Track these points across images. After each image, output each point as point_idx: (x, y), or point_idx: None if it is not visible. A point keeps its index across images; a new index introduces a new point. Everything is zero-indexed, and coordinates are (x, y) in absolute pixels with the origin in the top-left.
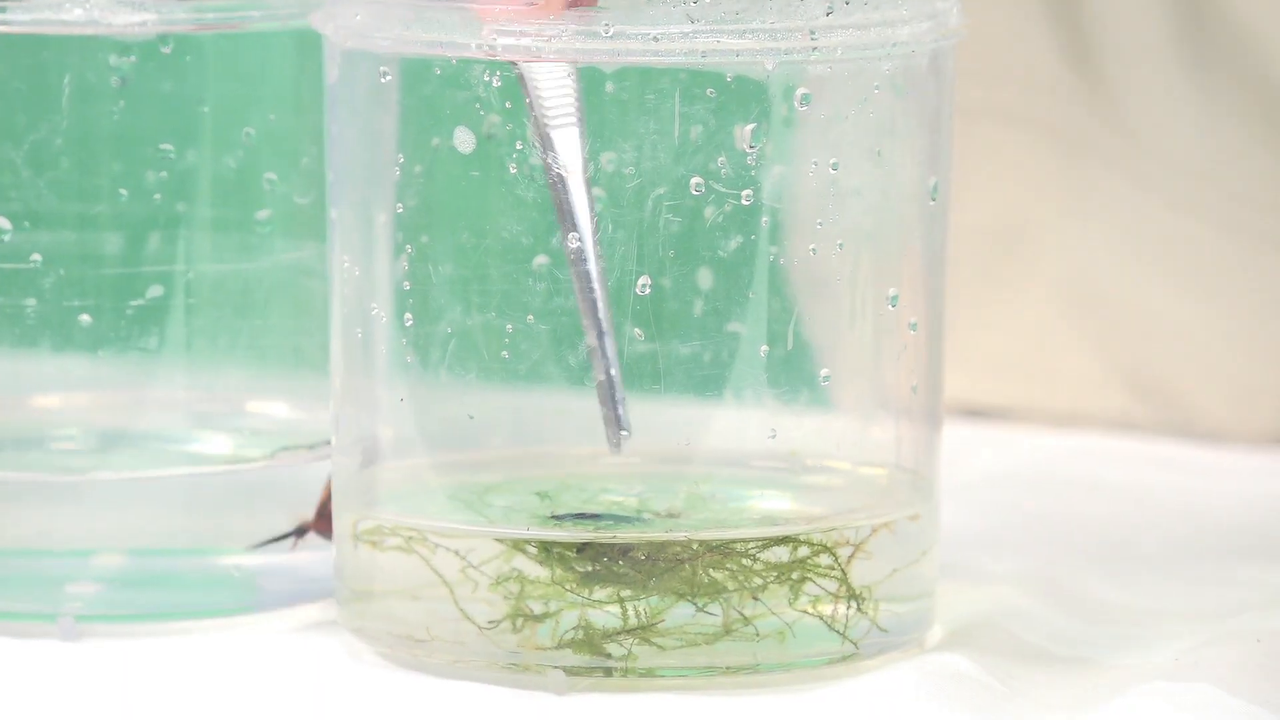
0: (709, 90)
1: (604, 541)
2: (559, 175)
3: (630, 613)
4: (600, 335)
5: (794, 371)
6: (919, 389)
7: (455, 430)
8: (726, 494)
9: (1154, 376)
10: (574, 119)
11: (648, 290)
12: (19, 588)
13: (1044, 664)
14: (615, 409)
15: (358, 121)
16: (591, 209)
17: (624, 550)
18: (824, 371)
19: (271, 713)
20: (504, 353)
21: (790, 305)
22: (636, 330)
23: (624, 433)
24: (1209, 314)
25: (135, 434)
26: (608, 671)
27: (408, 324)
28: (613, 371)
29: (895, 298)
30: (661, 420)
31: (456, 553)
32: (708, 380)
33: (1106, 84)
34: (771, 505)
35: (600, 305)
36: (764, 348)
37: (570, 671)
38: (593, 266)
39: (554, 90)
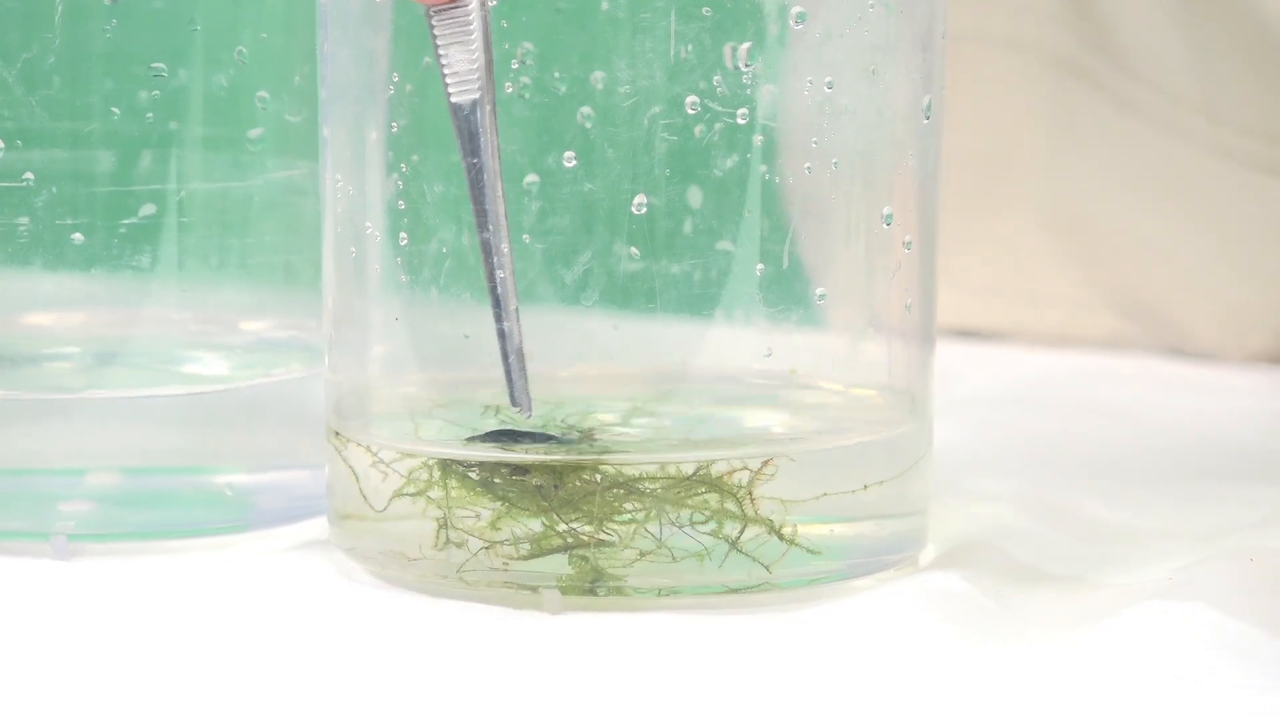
0: (704, 9)
1: (506, 462)
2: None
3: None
4: (502, 317)
5: (788, 290)
6: (913, 307)
7: (449, 350)
8: (669, 412)
9: (1143, 298)
10: (477, 89)
11: (643, 209)
12: (12, 506)
13: (1038, 583)
14: (513, 389)
15: (350, 40)
16: (497, 175)
17: (519, 471)
18: (819, 290)
19: (264, 631)
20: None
21: (785, 224)
22: (632, 249)
23: (523, 412)
24: (1197, 237)
25: (128, 352)
26: (593, 591)
27: (402, 243)
28: (512, 353)
29: (889, 216)
30: (655, 339)
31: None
32: (702, 299)
33: (1095, 8)
34: (732, 427)
35: (507, 281)
36: (759, 266)
37: (563, 590)
38: (499, 240)
39: (460, 55)
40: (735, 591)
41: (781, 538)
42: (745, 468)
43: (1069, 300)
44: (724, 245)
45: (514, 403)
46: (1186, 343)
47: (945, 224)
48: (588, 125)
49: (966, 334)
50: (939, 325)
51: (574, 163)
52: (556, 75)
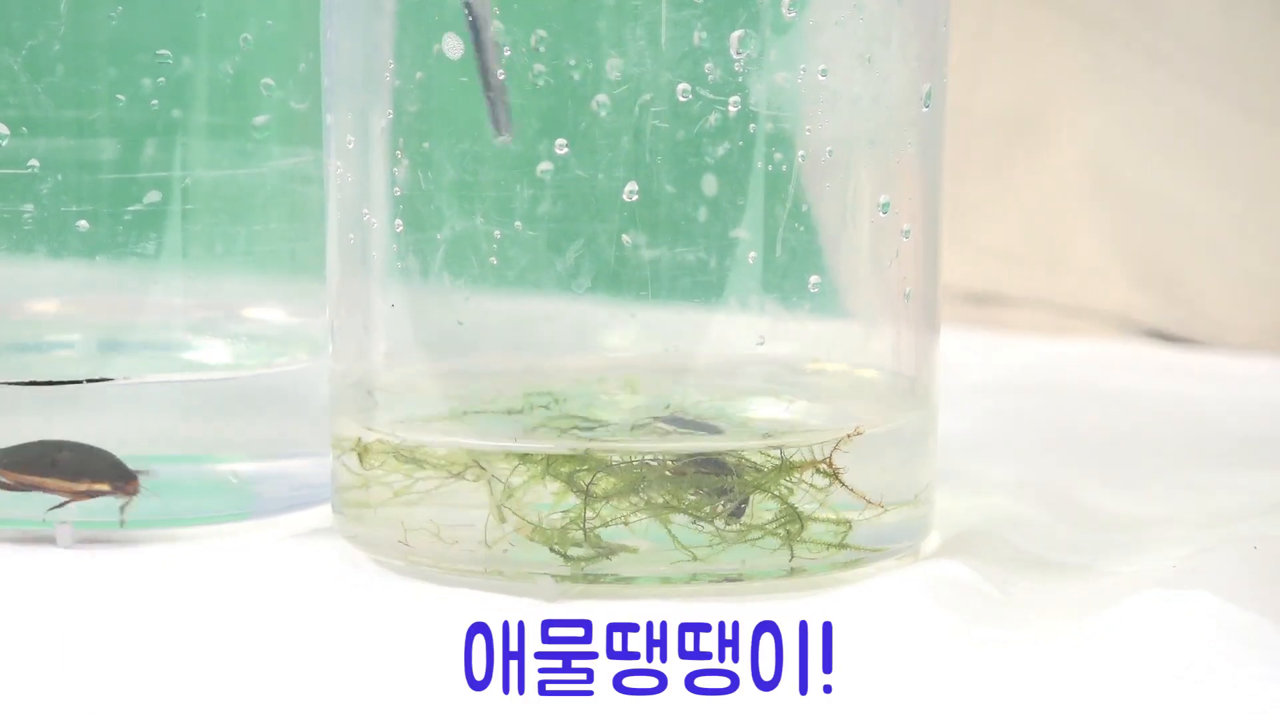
0: None
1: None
2: None
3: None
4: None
5: (782, 278)
6: (912, 295)
7: (444, 337)
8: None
9: (1161, 267)
10: None
11: (635, 197)
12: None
13: (1042, 571)
14: (497, 115)
15: (353, 27)
16: None
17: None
18: (813, 279)
19: (268, 619)
20: (492, 258)
21: (779, 212)
22: (624, 236)
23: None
24: (1222, 199)
25: (132, 340)
26: (594, 577)
27: (398, 230)
28: (494, 72)
29: (887, 204)
30: (648, 327)
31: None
32: (696, 287)
33: None
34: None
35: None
36: (752, 254)
37: (559, 579)
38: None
39: None
40: (742, 579)
41: (800, 518)
42: (777, 461)
43: (1085, 266)
44: (717, 233)
45: (497, 128)
46: (1195, 318)
47: (969, 183)
48: (580, 112)
49: (978, 299)
50: (953, 287)
51: (565, 150)
52: (547, 64)
